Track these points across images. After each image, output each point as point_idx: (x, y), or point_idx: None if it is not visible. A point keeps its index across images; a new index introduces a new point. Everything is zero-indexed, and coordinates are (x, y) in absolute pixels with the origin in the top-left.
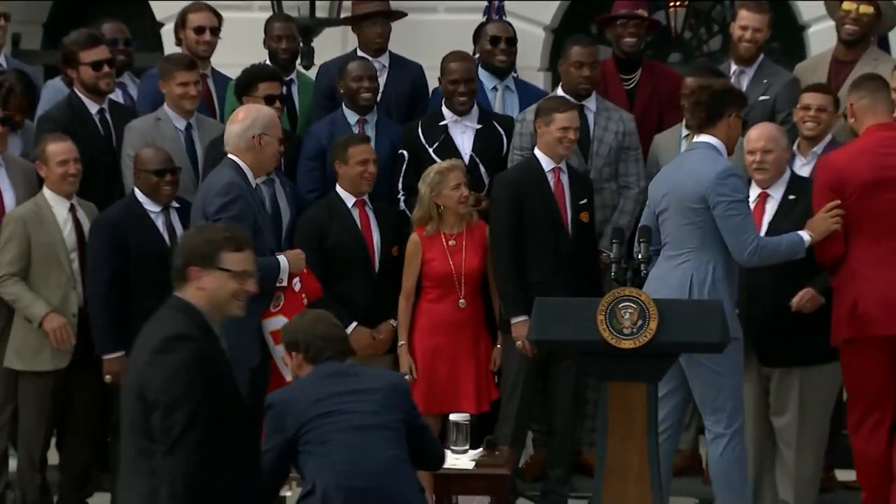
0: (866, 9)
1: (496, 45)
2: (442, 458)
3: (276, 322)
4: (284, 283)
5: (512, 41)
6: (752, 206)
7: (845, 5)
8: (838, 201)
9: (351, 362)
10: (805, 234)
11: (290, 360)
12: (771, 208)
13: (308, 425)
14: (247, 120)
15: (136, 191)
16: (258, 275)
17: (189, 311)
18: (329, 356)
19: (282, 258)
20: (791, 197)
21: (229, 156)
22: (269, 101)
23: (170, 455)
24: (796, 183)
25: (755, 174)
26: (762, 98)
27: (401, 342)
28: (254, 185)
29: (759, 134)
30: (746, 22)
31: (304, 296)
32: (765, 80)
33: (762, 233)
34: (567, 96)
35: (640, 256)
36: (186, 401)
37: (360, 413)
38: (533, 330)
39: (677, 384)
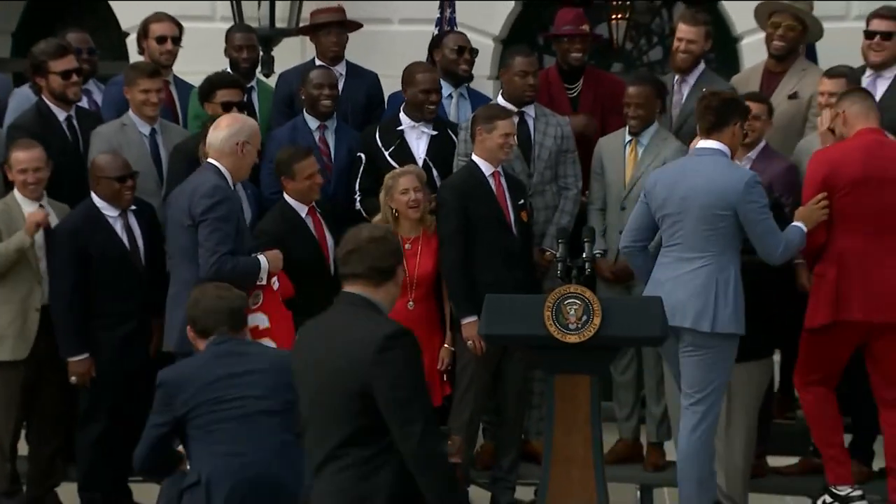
0: (792, 24)
1: (461, 54)
2: None
3: (255, 319)
4: (264, 282)
5: (473, 51)
6: None
7: (773, 21)
8: (825, 194)
9: (246, 336)
10: (801, 225)
11: (189, 333)
12: None
13: (196, 410)
14: (234, 127)
15: (94, 196)
16: (243, 274)
17: (377, 308)
18: (216, 328)
19: (262, 258)
20: None
21: (210, 160)
22: (227, 107)
23: (423, 446)
24: None
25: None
26: None
27: None
28: (233, 189)
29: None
30: (682, 34)
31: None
32: (704, 89)
33: None
34: (507, 104)
35: (584, 255)
36: (419, 394)
37: (247, 398)
38: (483, 325)
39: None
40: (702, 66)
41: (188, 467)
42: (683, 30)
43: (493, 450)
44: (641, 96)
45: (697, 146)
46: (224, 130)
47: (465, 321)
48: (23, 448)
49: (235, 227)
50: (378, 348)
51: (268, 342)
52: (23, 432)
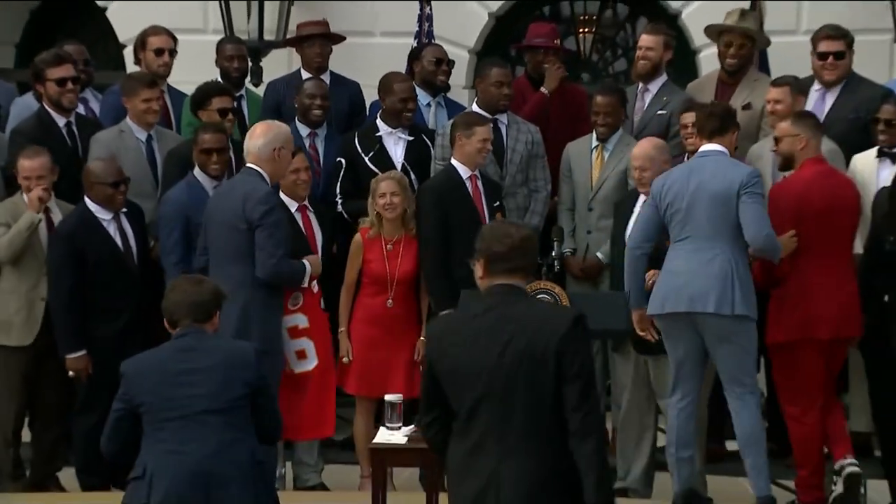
0: (742, 42)
1: (439, 66)
2: (275, 435)
3: (295, 319)
4: (305, 285)
5: (450, 63)
6: (638, 212)
7: (724, 40)
8: (793, 230)
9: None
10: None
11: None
12: None
13: (147, 406)
14: (269, 134)
15: (88, 200)
16: (295, 277)
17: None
18: (181, 320)
19: (306, 262)
20: None
21: (250, 165)
22: (222, 114)
23: (593, 417)
24: None
25: (638, 187)
26: (660, 112)
27: (341, 328)
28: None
29: (637, 153)
30: (642, 42)
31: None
32: (664, 98)
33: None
34: (482, 112)
35: (553, 254)
36: (593, 376)
37: (195, 397)
38: None
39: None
40: (664, 76)
41: None
42: (644, 39)
43: None
44: (609, 105)
45: (701, 149)
46: (261, 139)
47: (444, 314)
48: (26, 435)
49: (287, 229)
50: (571, 324)
51: (306, 341)
52: (26, 420)
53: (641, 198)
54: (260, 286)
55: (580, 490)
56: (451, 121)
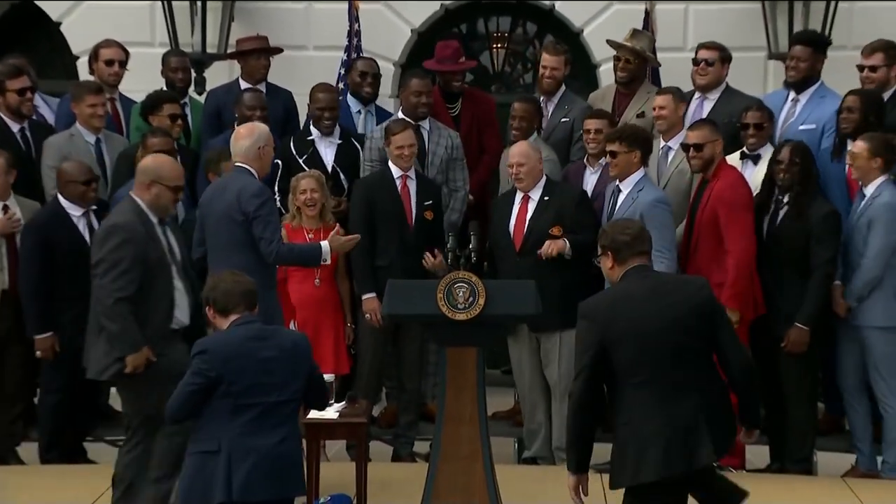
0: (630, 58)
1: (364, 78)
2: (324, 403)
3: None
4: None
5: (377, 76)
6: (517, 206)
7: (616, 55)
8: None
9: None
10: None
11: (208, 313)
12: (531, 207)
13: (234, 386)
14: (253, 135)
15: (60, 197)
16: (301, 257)
17: None
18: (235, 308)
19: (324, 243)
20: (546, 198)
21: (239, 164)
22: (173, 119)
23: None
24: (550, 187)
25: (516, 183)
26: (563, 119)
27: None
28: None
29: (514, 151)
30: (546, 62)
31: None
32: (566, 107)
33: (525, 227)
34: (406, 118)
35: (471, 246)
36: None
37: (274, 385)
38: (386, 306)
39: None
40: (563, 88)
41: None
42: (547, 59)
43: (396, 411)
44: (525, 111)
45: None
46: (246, 139)
47: (365, 297)
48: None
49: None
50: (709, 289)
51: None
52: None
53: (519, 195)
54: (256, 271)
55: (728, 414)
56: (381, 126)
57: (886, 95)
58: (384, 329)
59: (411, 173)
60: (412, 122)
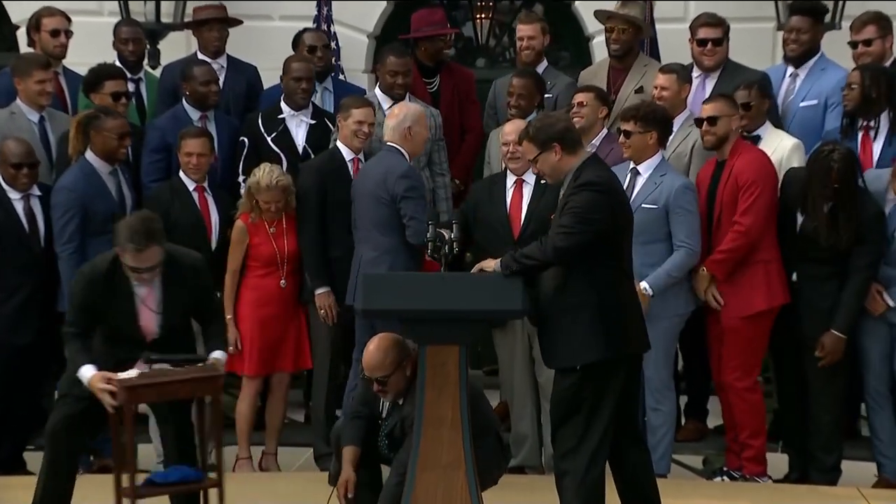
0: (623, 27)
1: (313, 52)
2: None
3: None
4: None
5: (327, 47)
6: (510, 191)
7: (608, 26)
8: None
9: None
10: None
11: None
12: (527, 191)
13: None
14: (399, 116)
15: (0, 178)
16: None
17: None
18: None
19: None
20: (543, 181)
21: (390, 143)
22: (115, 97)
23: None
24: None
25: (510, 163)
26: (546, 96)
27: (228, 316)
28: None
29: (511, 128)
30: (522, 32)
31: None
32: (549, 82)
33: (524, 213)
34: (383, 96)
35: (452, 236)
36: None
37: None
38: (360, 300)
39: None
40: (545, 62)
41: None
42: (522, 28)
43: None
44: (524, 87)
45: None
46: (393, 120)
47: (318, 292)
48: None
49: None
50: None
51: None
52: None
53: (511, 178)
54: (401, 252)
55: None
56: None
57: None
58: (340, 326)
59: (361, 155)
60: (391, 100)
